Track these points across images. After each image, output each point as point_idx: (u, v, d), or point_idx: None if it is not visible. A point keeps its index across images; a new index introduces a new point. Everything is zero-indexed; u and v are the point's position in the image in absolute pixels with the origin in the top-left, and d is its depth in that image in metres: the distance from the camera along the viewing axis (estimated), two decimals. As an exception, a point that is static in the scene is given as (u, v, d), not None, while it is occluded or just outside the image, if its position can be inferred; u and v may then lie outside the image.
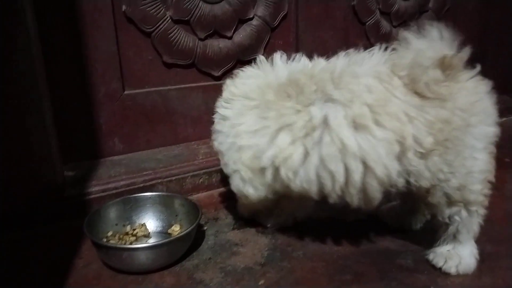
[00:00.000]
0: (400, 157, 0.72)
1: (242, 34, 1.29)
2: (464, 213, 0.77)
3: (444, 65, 0.71)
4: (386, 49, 0.77)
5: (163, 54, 1.19)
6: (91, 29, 1.08)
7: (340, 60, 0.78)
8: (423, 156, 0.72)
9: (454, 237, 0.80)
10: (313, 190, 0.77)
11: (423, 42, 0.73)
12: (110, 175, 1.06)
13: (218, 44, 1.26)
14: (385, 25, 1.59)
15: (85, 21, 1.06)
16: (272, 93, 0.79)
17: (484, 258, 0.84)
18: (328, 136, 0.73)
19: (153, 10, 1.14)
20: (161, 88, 1.21)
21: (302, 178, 0.76)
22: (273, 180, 0.80)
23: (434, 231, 0.83)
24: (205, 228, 0.96)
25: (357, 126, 0.72)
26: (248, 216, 0.97)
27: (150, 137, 1.22)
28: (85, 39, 1.07)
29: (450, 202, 0.76)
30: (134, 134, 1.20)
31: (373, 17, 1.55)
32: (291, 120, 0.75)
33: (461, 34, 1.90)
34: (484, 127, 0.74)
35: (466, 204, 0.76)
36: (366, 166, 0.72)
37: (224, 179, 1.16)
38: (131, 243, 0.89)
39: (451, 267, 0.79)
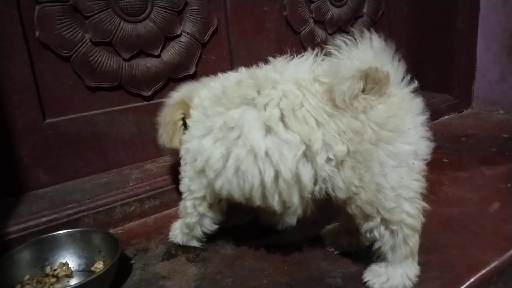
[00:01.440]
0: (311, 161, 0.73)
1: (171, 52, 1.25)
2: (383, 230, 0.75)
3: (369, 78, 0.70)
4: (316, 55, 0.79)
5: (85, 78, 1.14)
6: (3, 58, 1.01)
7: (264, 68, 0.82)
8: (337, 165, 0.72)
9: (388, 260, 0.78)
10: (236, 192, 0.79)
11: (351, 52, 0.72)
12: (31, 211, 0.99)
13: (146, 64, 1.22)
14: (320, 33, 1.59)
15: (-5, 51, 1.00)
16: (209, 101, 0.85)
17: (414, 270, 0.84)
18: (241, 138, 0.75)
19: (69, 34, 1.09)
20: (86, 113, 1.16)
21: (224, 179, 0.79)
22: (207, 183, 0.84)
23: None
24: (133, 261, 0.92)
25: (267, 129, 0.74)
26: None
27: (79, 166, 1.17)
28: (-5, 70, 1.01)
29: (365, 215, 0.75)
30: (60, 164, 1.14)
31: (307, 26, 1.54)
32: (214, 122, 0.80)
33: (398, 37, 1.94)
34: (399, 144, 0.71)
35: (383, 221, 0.74)
36: (275, 169, 0.73)
37: (159, 205, 1.13)
38: (50, 285, 0.83)
39: (374, 283, 0.78)
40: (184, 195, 0.91)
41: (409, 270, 0.78)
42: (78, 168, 1.16)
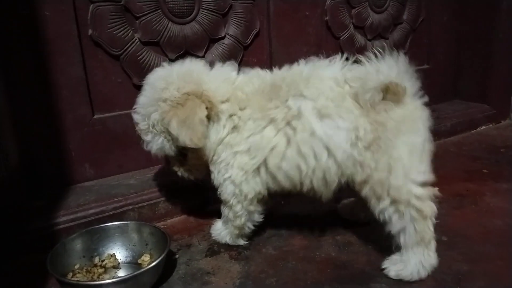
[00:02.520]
0: (354, 145, 0.83)
1: (215, 53, 1.28)
2: (392, 212, 0.83)
3: (389, 90, 0.82)
4: (347, 59, 0.91)
5: (132, 76, 1.17)
6: (56, 55, 1.05)
7: (306, 66, 0.92)
8: (365, 150, 0.83)
9: (408, 247, 0.84)
10: (295, 177, 0.87)
11: (378, 65, 0.84)
12: (79, 203, 1.03)
13: (190, 64, 1.24)
14: (359, 38, 1.59)
15: (50, 48, 1.04)
16: (259, 96, 0.90)
17: (460, 279, 0.83)
18: (301, 124, 0.85)
19: (120, 33, 1.12)
20: (131, 110, 1.19)
21: (287, 164, 0.86)
22: (264, 179, 0.90)
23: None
24: (177, 256, 0.94)
25: (322, 115, 0.84)
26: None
27: (122, 161, 1.20)
28: (50, 66, 1.05)
29: (377, 196, 0.84)
30: (105, 159, 1.17)
31: (347, 31, 1.55)
32: (274, 114, 0.87)
33: (437, 44, 1.92)
34: (412, 136, 0.83)
35: (392, 202, 0.83)
36: (329, 150, 0.84)
37: (200, 202, 1.15)
38: (99, 276, 0.86)
39: (390, 270, 0.85)
40: (230, 202, 0.91)
41: (424, 259, 0.84)
42: (122, 163, 1.20)
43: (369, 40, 1.62)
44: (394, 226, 0.84)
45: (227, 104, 0.90)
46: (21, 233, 0.94)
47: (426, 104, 0.87)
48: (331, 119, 0.84)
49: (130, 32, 1.14)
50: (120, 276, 0.81)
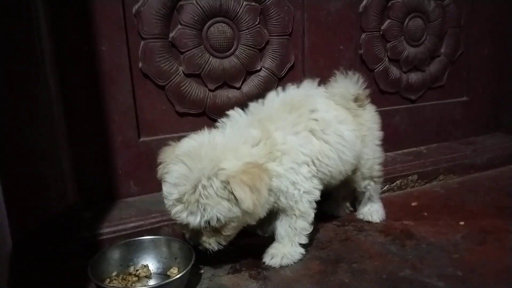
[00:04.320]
0: (359, 142, 1.18)
1: (250, 85, 1.38)
2: (372, 183, 1.28)
3: (358, 97, 1.22)
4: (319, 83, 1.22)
5: (175, 105, 1.30)
6: (110, 84, 1.20)
7: (300, 88, 1.18)
8: (362, 143, 1.20)
9: (369, 199, 1.31)
10: (335, 172, 1.12)
11: (347, 82, 1.22)
12: (121, 217, 1.15)
13: (228, 94, 1.35)
14: (394, 71, 1.63)
15: (105, 78, 1.19)
16: (284, 112, 1.10)
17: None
18: (332, 130, 1.10)
19: (166, 66, 1.26)
20: (174, 135, 1.31)
21: (331, 164, 1.10)
22: (319, 175, 1.09)
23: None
24: (202, 271, 1.03)
25: (340, 122, 1.13)
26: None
27: (163, 180, 1.32)
28: (104, 94, 1.20)
29: (364, 178, 1.26)
30: (148, 177, 1.29)
31: (381, 64, 1.60)
32: (307, 126, 1.08)
33: (477, 77, 1.92)
34: (376, 132, 1.26)
35: (371, 178, 1.27)
36: (351, 147, 1.13)
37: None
38: (133, 283, 0.97)
39: (375, 218, 1.29)
40: (308, 211, 1.07)
41: (381, 203, 1.34)
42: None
43: (405, 72, 1.66)
44: (371, 191, 1.29)
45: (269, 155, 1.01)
46: (71, 241, 1.07)
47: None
48: (345, 124, 1.14)
49: (175, 65, 1.27)
50: (150, 285, 0.92)
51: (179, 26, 1.25)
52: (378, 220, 1.29)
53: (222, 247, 0.98)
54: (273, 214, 1.12)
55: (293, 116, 1.07)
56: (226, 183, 0.90)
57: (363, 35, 1.55)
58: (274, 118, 1.06)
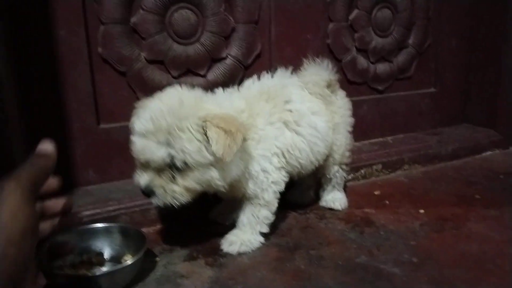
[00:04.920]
0: (331, 131, 1.19)
1: (216, 73, 1.37)
2: (340, 170, 1.28)
3: (330, 83, 1.22)
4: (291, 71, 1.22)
5: (137, 91, 1.28)
6: (69, 70, 1.17)
7: (274, 77, 1.18)
8: (334, 132, 1.22)
9: (334, 187, 1.31)
10: (305, 163, 1.13)
11: (318, 69, 1.22)
12: (78, 205, 1.13)
13: (192, 82, 1.33)
14: (362, 61, 1.64)
15: (63, 64, 1.16)
16: (263, 101, 1.09)
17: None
18: (306, 122, 1.11)
19: (127, 52, 1.24)
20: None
21: (301, 156, 1.10)
22: (287, 167, 1.09)
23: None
24: (158, 259, 1.02)
25: (313, 113, 1.14)
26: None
27: (124, 168, 1.29)
28: (62, 80, 1.17)
29: (334, 163, 1.26)
30: (108, 165, 1.28)
31: (349, 54, 1.60)
32: (285, 118, 1.09)
33: (444, 68, 1.94)
34: (348, 118, 1.27)
35: (340, 164, 1.27)
36: (323, 137, 1.15)
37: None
38: (85, 271, 0.95)
39: (337, 205, 1.29)
40: (272, 201, 1.07)
41: (343, 192, 1.34)
42: (123, 170, 1.29)
43: (372, 63, 1.67)
44: (338, 178, 1.29)
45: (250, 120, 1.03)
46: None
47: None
48: (319, 115, 1.14)
49: (136, 51, 1.25)
50: (100, 272, 0.90)
51: (141, 11, 1.23)
52: (340, 208, 1.29)
53: (174, 203, 0.91)
54: (234, 203, 1.12)
55: (269, 105, 1.07)
56: (202, 123, 0.88)
57: (331, 25, 1.54)
58: (253, 105, 1.06)
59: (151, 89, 1.27)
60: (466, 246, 1.07)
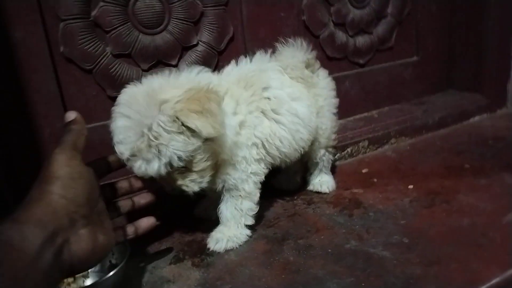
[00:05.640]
0: (314, 116, 1.13)
1: (188, 61, 1.31)
2: (326, 154, 1.25)
3: (309, 62, 1.16)
4: (270, 54, 1.16)
5: (106, 89, 1.21)
6: (31, 74, 1.10)
7: (253, 62, 1.12)
8: (318, 116, 1.16)
9: (321, 170, 1.27)
10: (288, 152, 1.08)
11: (293, 50, 1.15)
12: (56, 214, 1.08)
13: (164, 73, 1.27)
14: (340, 35, 1.58)
15: (24, 67, 1.09)
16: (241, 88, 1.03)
17: (410, 283, 0.84)
18: (286, 109, 1.05)
19: (91, 48, 1.17)
20: (107, 122, 1.22)
21: (282, 145, 1.05)
22: (267, 158, 1.05)
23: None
24: (143, 264, 0.98)
25: (294, 99, 1.07)
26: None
27: (102, 170, 1.25)
28: (25, 85, 1.10)
29: (320, 147, 1.22)
30: (85, 168, 1.22)
31: (326, 29, 1.54)
32: (264, 106, 1.03)
33: (426, 35, 1.89)
34: (332, 100, 1.22)
35: (326, 147, 1.23)
36: (306, 124, 1.09)
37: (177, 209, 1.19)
38: (68, 284, 0.92)
39: (325, 188, 1.26)
40: (253, 192, 1.03)
41: (331, 174, 1.31)
42: (101, 173, 1.25)
43: (351, 36, 1.61)
44: (325, 161, 1.25)
45: (228, 97, 0.97)
46: None
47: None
48: (299, 101, 1.08)
49: (101, 46, 1.18)
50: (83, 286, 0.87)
51: (101, 3, 1.15)
52: (328, 191, 1.26)
53: (202, 186, 0.93)
54: (218, 197, 1.08)
55: (248, 93, 1.02)
56: (173, 117, 0.82)
57: (305, 0, 1.48)
58: (234, 92, 1.00)
59: (121, 85, 1.20)
60: (457, 221, 1.05)
